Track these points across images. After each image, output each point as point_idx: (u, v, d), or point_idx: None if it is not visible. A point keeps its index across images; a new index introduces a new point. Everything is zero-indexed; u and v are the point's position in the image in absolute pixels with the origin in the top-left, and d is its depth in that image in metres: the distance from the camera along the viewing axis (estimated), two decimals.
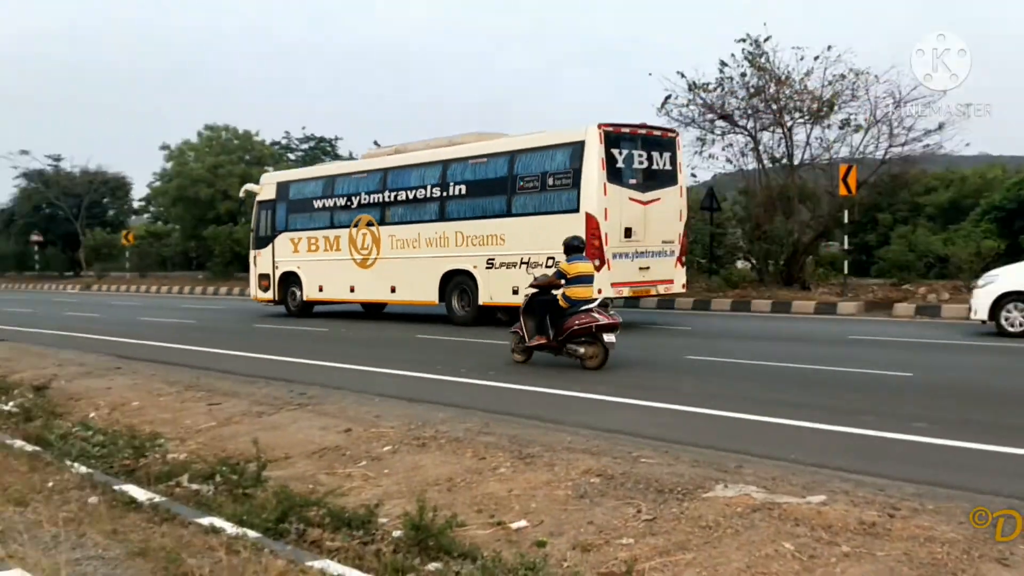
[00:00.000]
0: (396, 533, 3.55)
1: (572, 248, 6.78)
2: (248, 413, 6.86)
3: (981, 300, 9.41)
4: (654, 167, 6.88)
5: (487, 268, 7.10)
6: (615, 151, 6.47)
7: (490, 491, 4.27)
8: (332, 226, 9.77)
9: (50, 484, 4.46)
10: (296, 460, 5.28)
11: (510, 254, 7.21)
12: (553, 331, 6.71)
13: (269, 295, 11.66)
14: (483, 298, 7.52)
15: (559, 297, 6.67)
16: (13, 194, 47.35)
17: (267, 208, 11.67)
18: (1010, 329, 9.16)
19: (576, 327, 6.61)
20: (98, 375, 10.27)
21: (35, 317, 18.46)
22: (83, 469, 4.83)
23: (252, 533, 3.46)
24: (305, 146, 40.87)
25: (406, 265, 8.19)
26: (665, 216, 7.20)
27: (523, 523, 3.81)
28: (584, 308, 6.65)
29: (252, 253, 11.94)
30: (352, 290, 9.30)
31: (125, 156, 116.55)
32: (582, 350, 6.69)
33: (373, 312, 11.19)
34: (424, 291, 8.30)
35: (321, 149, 40.04)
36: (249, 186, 12.84)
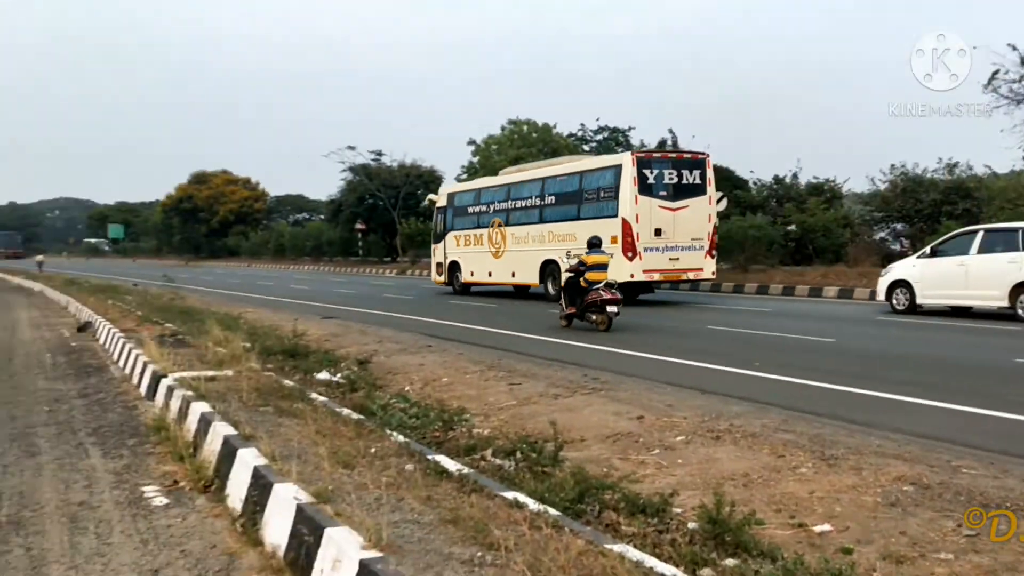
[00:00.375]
0: (691, 524, 3.59)
1: (591, 244, 9.79)
2: (545, 395, 7.24)
3: (880, 286, 13.98)
4: (683, 182, 9.58)
5: (565, 258, 10.18)
6: (646, 171, 9.26)
7: (789, 491, 4.23)
8: (478, 226, 13.96)
9: (372, 450, 4.80)
10: (590, 443, 5.53)
11: (578, 247, 10.41)
12: (577, 304, 9.70)
13: (442, 279, 16.23)
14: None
15: (581, 280, 9.56)
16: (340, 186, 52.05)
17: (441, 213, 16.43)
18: (897, 307, 13.51)
19: (588, 301, 9.51)
20: (412, 352, 10.93)
21: (357, 297, 21.16)
22: (400, 438, 5.22)
23: (553, 511, 3.59)
24: (599, 136, 40.19)
25: (522, 256, 11.57)
26: (694, 219, 9.94)
27: (826, 527, 3.75)
28: (595, 288, 9.38)
29: (433, 247, 16.65)
30: (490, 274, 13.12)
31: (436, 152, 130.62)
32: (594, 317, 9.59)
33: (520, 293, 14.78)
34: (532, 275, 11.75)
35: (614, 139, 39.16)
36: (431, 196, 17.98)
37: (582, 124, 43.46)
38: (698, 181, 11.05)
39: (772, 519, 3.82)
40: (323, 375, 8.83)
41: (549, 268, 11.94)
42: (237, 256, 67.87)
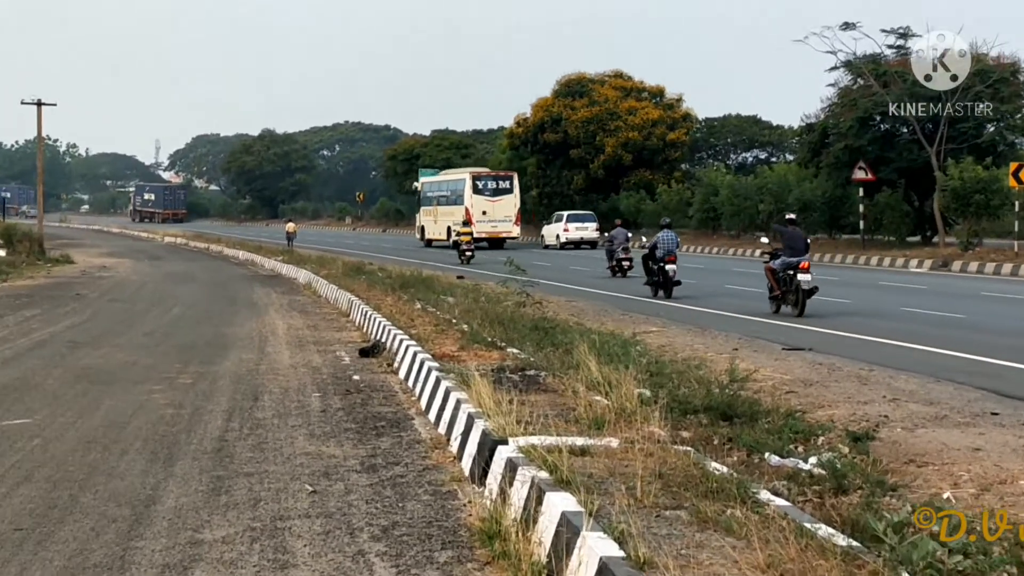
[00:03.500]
0: None
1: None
2: None
3: None
4: (499, 187, 67.63)
5: (456, 225, 60.19)
6: (478, 182, 67.30)
7: None
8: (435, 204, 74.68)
9: None
10: None
11: (456, 220, 64.29)
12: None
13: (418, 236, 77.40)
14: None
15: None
16: (826, 100, 55.40)
17: (417, 194, 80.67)
18: None
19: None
20: (957, 422, 11.59)
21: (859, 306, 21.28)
22: None
23: None
24: None
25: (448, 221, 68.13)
26: (505, 207, 66.83)
27: None
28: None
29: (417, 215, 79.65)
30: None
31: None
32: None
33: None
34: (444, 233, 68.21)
35: None
36: (416, 183, 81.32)
37: None
38: (507, 185, 67.79)
39: None
40: (785, 461, 9.31)
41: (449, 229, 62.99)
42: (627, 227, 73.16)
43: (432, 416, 12.26)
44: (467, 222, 59.27)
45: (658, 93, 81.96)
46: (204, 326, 23.96)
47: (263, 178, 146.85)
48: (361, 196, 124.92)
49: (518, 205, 69.09)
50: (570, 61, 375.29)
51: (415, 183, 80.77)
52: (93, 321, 25.31)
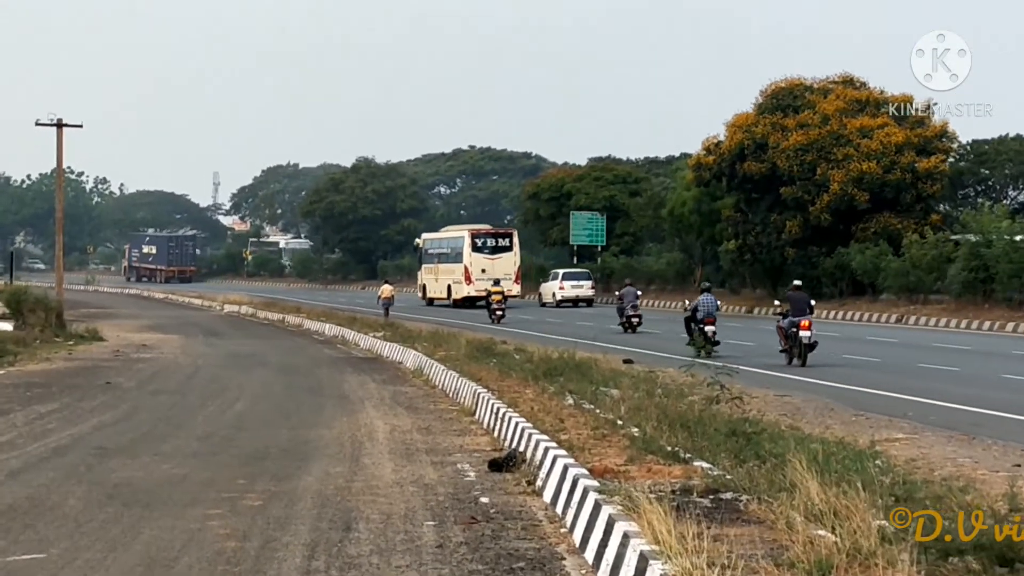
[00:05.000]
0: None
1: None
2: None
3: None
4: (499, 244, 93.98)
5: (456, 283, 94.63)
6: (477, 240, 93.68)
7: None
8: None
9: None
10: None
11: (456, 278, 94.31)
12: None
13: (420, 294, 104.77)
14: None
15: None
16: None
17: (417, 251, 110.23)
18: None
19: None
20: None
21: None
22: None
23: None
24: None
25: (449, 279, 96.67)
26: (505, 265, 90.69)
27: None
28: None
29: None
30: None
31: None
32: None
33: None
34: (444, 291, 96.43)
35: None
36: (417, 240, 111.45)
37: None
38: (507, 243, 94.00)
39: None
40: None
41: (452, 287, 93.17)
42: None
43: (589, 555, 12.22)
44: (467, 279, 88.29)
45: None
46: (278, 428, 24.35)
47: (358, 224, 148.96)
48: None
49: (518, 263, 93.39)
50: (779, 63, 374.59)
51: (416, 240, 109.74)
52: (129, 420, 25.86)
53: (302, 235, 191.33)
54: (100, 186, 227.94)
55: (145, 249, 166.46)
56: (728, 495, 13.25)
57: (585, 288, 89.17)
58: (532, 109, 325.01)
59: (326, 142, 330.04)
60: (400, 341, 44.26)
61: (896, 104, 78.70)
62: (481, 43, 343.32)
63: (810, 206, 76.93)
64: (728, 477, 14.21)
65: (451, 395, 29.45)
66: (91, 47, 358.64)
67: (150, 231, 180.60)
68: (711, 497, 13.14)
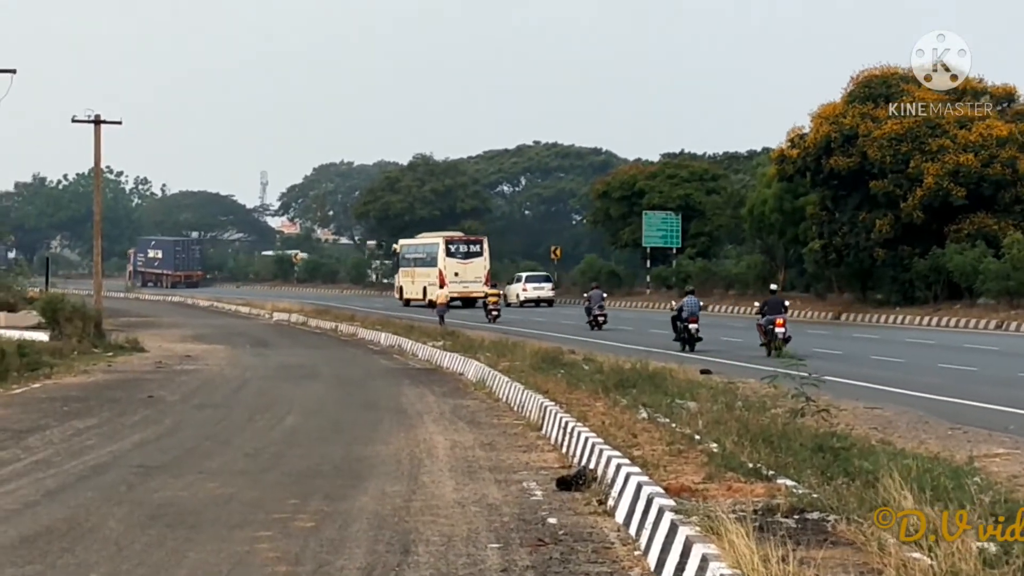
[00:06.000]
0: None
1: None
2: None
3: None
4: (471, 250, 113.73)
5: (431, 285, 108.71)
6: (451, 246, 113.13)
7: None
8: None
9: None
10: None
11: (431, 281, 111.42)
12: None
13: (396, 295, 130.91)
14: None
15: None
16: None
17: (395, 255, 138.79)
18: None
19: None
20: None
21: None
22: None
23: None
24: None
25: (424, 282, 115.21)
26: (476, 268, 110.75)
27: None
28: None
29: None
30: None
31: None
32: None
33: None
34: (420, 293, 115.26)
35: None
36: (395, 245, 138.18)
37: None
38: (478, 249, 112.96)
39: None
40: None
41: (428, 288, 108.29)
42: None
43: None
44: (441, 283, 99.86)
45: (1006, 96, 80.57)
46: (331, 444, 24.44)
47: (415, 226, 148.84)
48: (557, 252, 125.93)
49: (487, 267, 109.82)
50: (868, 51, 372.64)
51: (394, 245, 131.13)
52: (172, 436, 26.05)
53: (355, 238, 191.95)
54: (140, 187, 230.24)
55: (151, 253, 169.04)
56: (815, 515, 13.22)
57: (546, 290, 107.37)
58: (601, 102, 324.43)
59: (382, 138, 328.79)
60: (461, 351, 44.33)
61: (995, 94, 78.33)
62: (545, 33, 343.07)
63: (902, 202, 76.56)
64: (814, 495, 14.17)
65: (516, 408, 29.46)
66: (130, 41, 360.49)
67: (156, 238, 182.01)
68: (796, 517, 13.11)
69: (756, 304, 56.77)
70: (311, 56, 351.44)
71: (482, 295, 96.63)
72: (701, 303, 56.26)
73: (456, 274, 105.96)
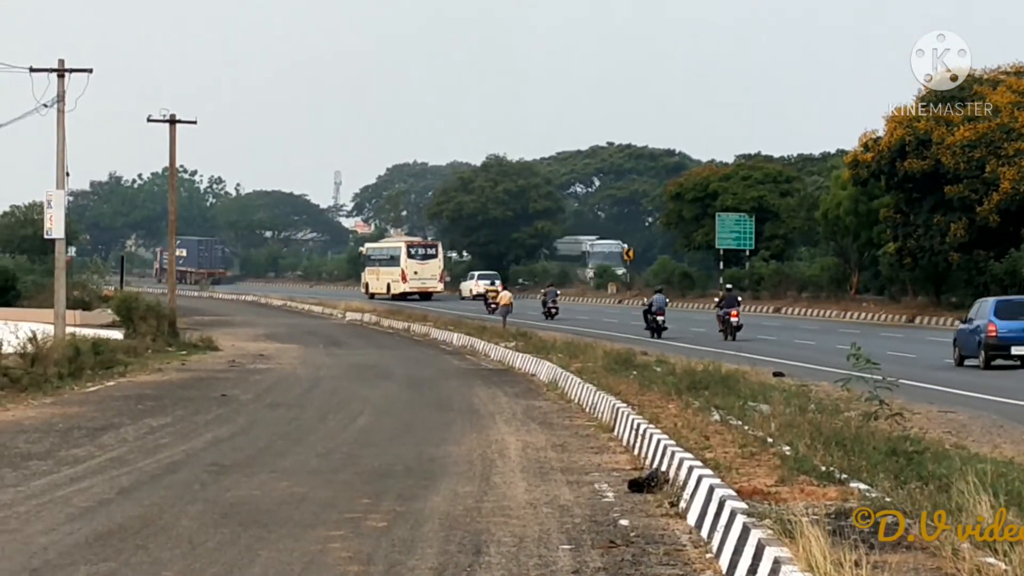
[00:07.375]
0: None
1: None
2: None
3: None
4: (427, 253, 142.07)
5: (394, 281, 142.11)
6: (411, 249, 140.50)
7: None
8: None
9: None
10: None
11: (394, 278, 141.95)
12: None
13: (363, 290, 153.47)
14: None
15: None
16: None
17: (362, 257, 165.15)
18: None
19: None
20: None
21: None
22: None
23: None
24: None
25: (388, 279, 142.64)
26: (432, 268, 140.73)
27: None
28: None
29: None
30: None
31: None
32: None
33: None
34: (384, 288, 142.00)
35: None
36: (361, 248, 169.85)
37: None
38: (433, 252, 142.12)
39: None
40: None
41: (389, 281, 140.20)
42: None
43: None
44: (404, 279, 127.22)
45: None
46: (403, 444, 24.51)
47: (488, 226, 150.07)
48: (630, 253, 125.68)
49: (441, 266, 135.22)
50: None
51: (361, 248, 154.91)
52: (245, 435, 26.23)
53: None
54: (215, 186, 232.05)
55: (176, 252, 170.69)
56: (889, 519, 13.12)
57: (496, 286, 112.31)
58: (676, 103, 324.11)
59: (455, 139, 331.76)
60: (533, 352, 44.43)
61: None
62: (618, 34, 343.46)
63: (977, 206, 75.44)
64: (888, 499, 14.07)
65: (588, 410, 29.47)
66: (206, 40, 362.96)
67: (181, 238, 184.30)
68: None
69: (716, 299, 69.10)
70: (385, 56, 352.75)
71: (437, 291, 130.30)
72: (667, 300, 70.41)
73: (415, 272, 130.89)
